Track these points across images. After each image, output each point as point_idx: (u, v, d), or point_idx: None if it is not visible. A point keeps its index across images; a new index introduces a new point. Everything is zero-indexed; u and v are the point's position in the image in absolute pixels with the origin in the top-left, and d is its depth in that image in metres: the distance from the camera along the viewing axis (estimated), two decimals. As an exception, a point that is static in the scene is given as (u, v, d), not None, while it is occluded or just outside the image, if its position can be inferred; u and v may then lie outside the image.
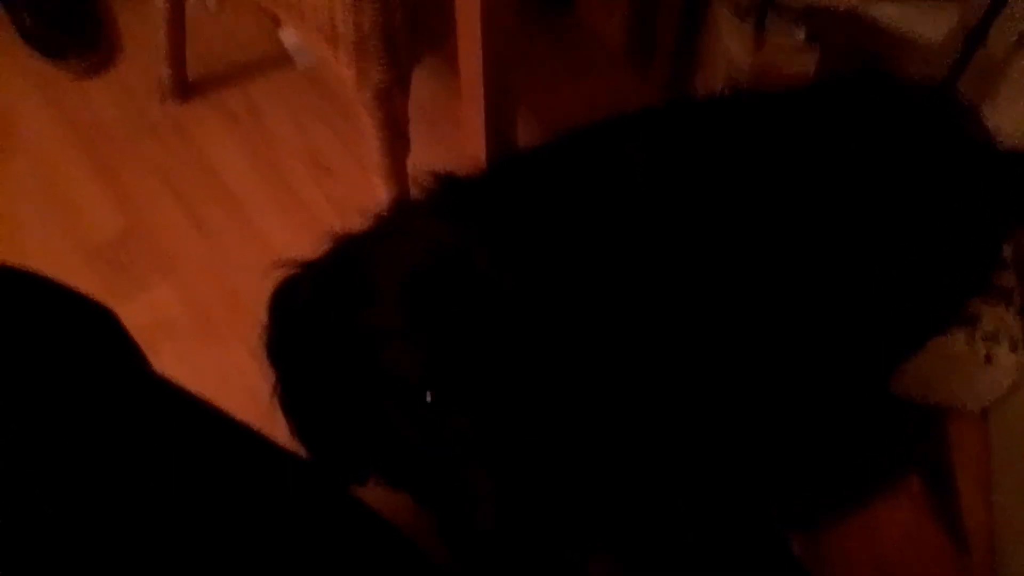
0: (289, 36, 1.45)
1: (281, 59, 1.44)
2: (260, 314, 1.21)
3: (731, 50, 1.13)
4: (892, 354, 0.93)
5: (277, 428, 0.68)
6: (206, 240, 1.28)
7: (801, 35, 1.10)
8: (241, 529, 0.50)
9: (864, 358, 0.87)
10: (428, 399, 0.52)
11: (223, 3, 1.49)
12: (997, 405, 1.08)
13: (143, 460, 0.49)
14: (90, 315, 0.55)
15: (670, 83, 1.34)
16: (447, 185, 0.68)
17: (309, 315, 0.58)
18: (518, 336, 0.52)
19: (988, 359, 1.00)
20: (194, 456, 0.53)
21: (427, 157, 1.17)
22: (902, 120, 0.85)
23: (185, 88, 1.38)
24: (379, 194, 1.10)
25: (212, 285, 1.25)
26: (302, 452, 0.65)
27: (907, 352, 0.95)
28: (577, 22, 1.48)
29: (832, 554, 0.73)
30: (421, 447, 0.55)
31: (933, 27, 1.04)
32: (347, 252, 0.61)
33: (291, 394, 0.61)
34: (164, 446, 0.51)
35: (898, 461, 0.86)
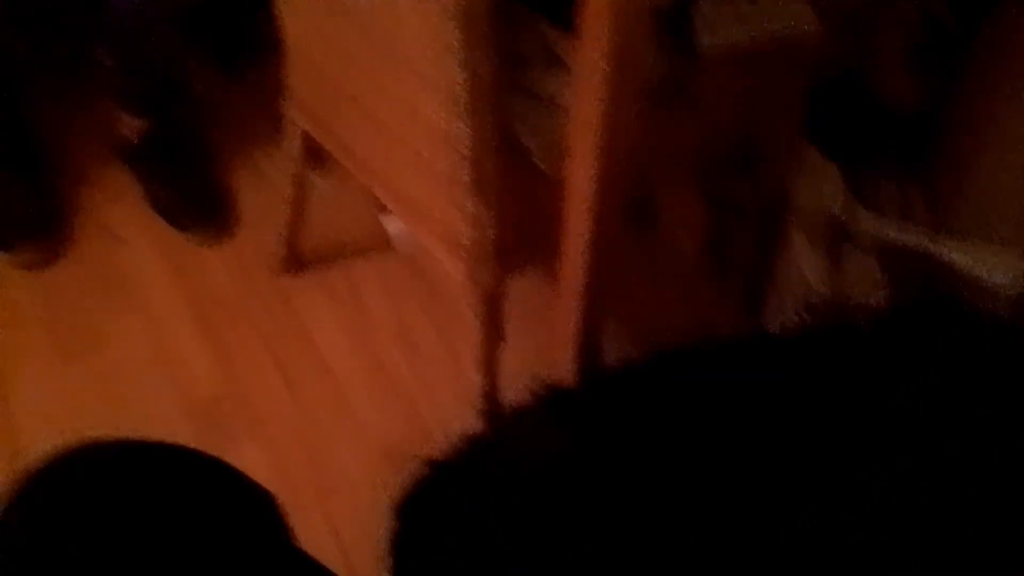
0: (391, 223, 1.59)
1: (382, 243, 1.58)
2: (340, 483, 1.28)
3: (805, 275, 1.21)
4: None
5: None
6: (298, 408, 1.36)
7: (874, 266, 1.19)
8: None
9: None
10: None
11: (337, 189, 1.66)
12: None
13: None
14: (255, 496, 0.61)
15: (746, 299, 1.43)
16: (555, 395, 0.74)
17: (438, 529, 0.62)
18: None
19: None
20: None
21: (516, 350, 1.25)
22: (973, 352, 0.89)
23: (295, 264, 1.52)
24: (469, 381, 1.18)
25: (299, 452, 1.32)
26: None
27: None
28: (659, 237, 1.60)
29: None
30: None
31: (1001, 271, 1.11)
32: (472, 461, 0.66)
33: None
34: None
35: None
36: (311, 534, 1.26)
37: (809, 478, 0.71)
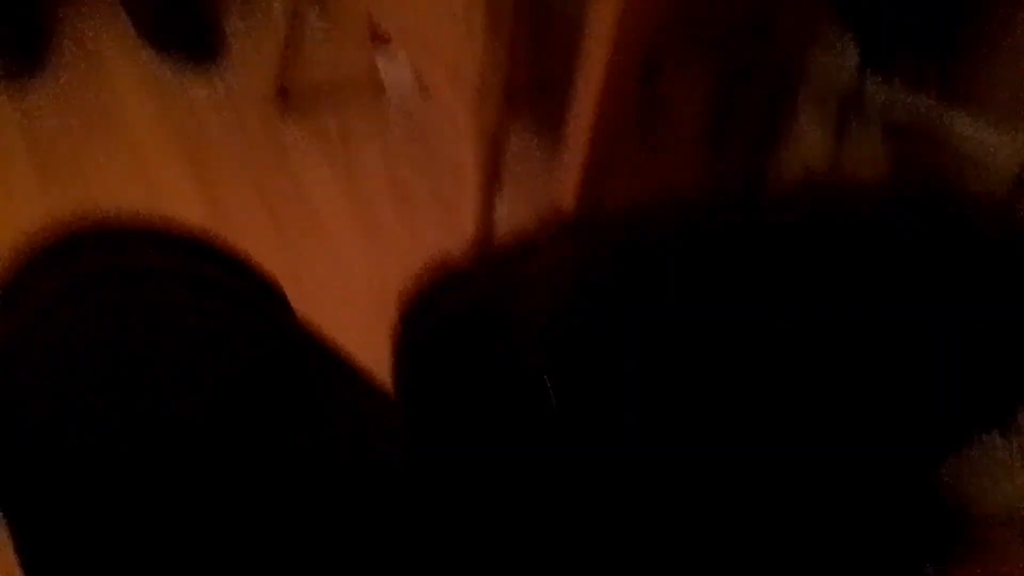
0: (387, 65, 1.53)
1: (377, 86, 1.53)
2: (326, 325, 1.28)
3: (809, 142, 1.20)
4: (935, 452, 0.96)
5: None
6: (286, 250, 1.35)
7: (877, 135, 1.17)
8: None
9: (909, 447, 0.90)
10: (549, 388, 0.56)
11: (332, 23, 1.58)
12: (1029, 514, 1.10)
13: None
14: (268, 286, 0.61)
15: (746, 164, 1.41)
16: (559, 228, 0.73)
17: (446, 341, 0.62)
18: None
19: (1027, 466, 1.04)
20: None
21: (510, 203, 1.24)
22: (968, 233, 0.89)
23: (286, 103, 1.47)
24: (463, 231, 1.16)
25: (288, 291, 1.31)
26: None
27: (950, 450, 0.98)
28: (660, 100, 1.56)
29: None
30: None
31: (1000, 148, 1.10)
32: (477, 287, 0.65)
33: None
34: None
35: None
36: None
37: (781, 341, 0.71)
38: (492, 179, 1.10)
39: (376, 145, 1.46)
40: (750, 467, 0.74)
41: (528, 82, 1.01)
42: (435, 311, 0.64)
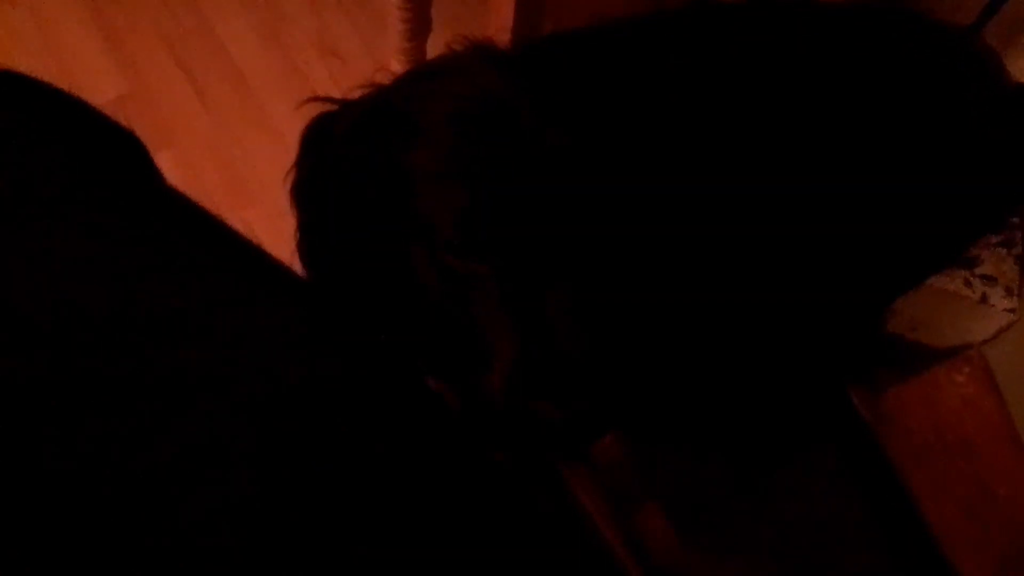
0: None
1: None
2: (258, 192, 1.21)
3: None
4: (890, 284, 0.94)
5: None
6: (208, 113, 1.25)
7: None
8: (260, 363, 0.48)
9: (865, 285, 0.88)
10: (455, 240, 0.51)
11: None
12: (984, 348, 1.10)
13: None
14: (121, 135, 0.54)
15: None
16: (484, 48, 0.66)
17: (345, 149, 0.56)
18: (556, 192, 0.51)
19: (983, 299, 1.02)
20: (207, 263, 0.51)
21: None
22: (930, 56, 0.84)
23: (197, -47, 1.33)
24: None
25: (210, 158, 1.22)
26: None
27: (905, 285, 0.96)
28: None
29: (892, 412, 0.76)
30: (443, 300, 0.55)
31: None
32: (388, 93, 0.59)
33: (313, 235, 0.59)
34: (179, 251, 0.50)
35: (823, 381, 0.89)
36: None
37: (738, 142, 0.66)
38: (420, 21, 1.00)
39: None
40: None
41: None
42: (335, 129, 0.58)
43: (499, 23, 0.96)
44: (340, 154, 0.57)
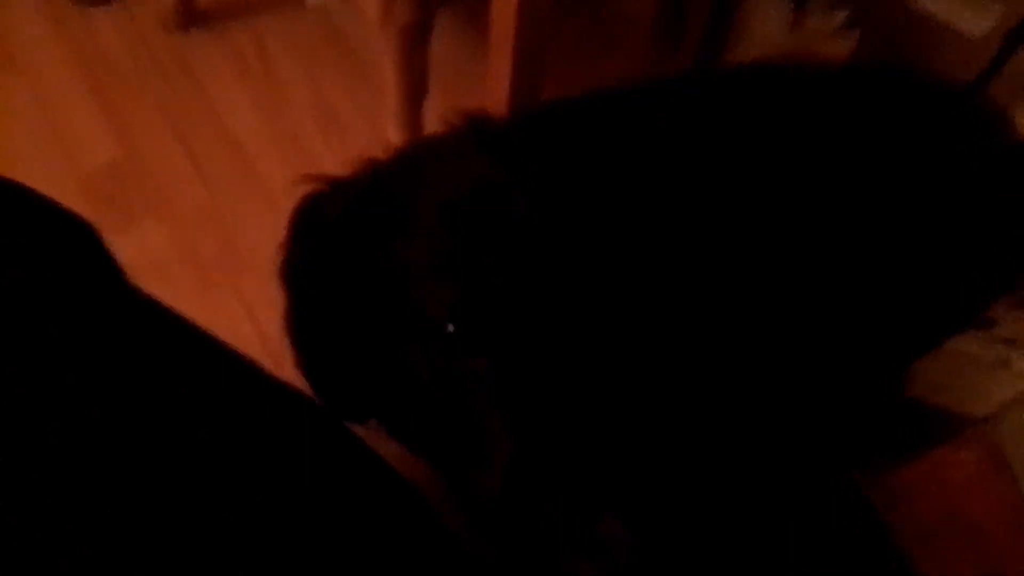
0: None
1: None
2: (253, 261, 1.18)
3: (766, 29, 1.10)
4: (907, 349, 0.91)
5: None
6: (203, 182, 1.24)
7: (840, 18, 1.07)
8: (224, 460, 0.46)
9: (875, 354, 0.85)
10: (450, 331, 0.48)
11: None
12: (1005, 412, 1.06)
13: (118, 374, 0.45)
14: (69, 226, 0.51)
15: (700, 62, 1.31)
16: (479, 124, 0.64)
17: (337, 235, 0.54)
18: (553, 282, 0.49)
19: (1002, 363, 0.98)
20: (171, 373, 0.49)
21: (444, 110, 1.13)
22: (927, 116, 0.82)
23: (193, 20, 1.33)
24: (390, 144, 1.06)
25: (205, 228, 1.20)
26: (300, 387, 0.61)
27: (923, 348, 0.93)
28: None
29: (898, 494, 0.72)
30: (438, 391, 0.52)
31: (974, 22, 1.01)
32: (381, 175, 0.57)
33: (304, 319, 0.57)
34: (141, 363, 0.47)
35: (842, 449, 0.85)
36: (224, 315, 1.19)
37: (733, 211, 0.64)
38: (416, 87, 0.99)
39: (296, 61, 1.33)
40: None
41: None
42: (325, 215, 0.56)
43: (497, 93, 0.95)
44: (332, 239, 0.54)
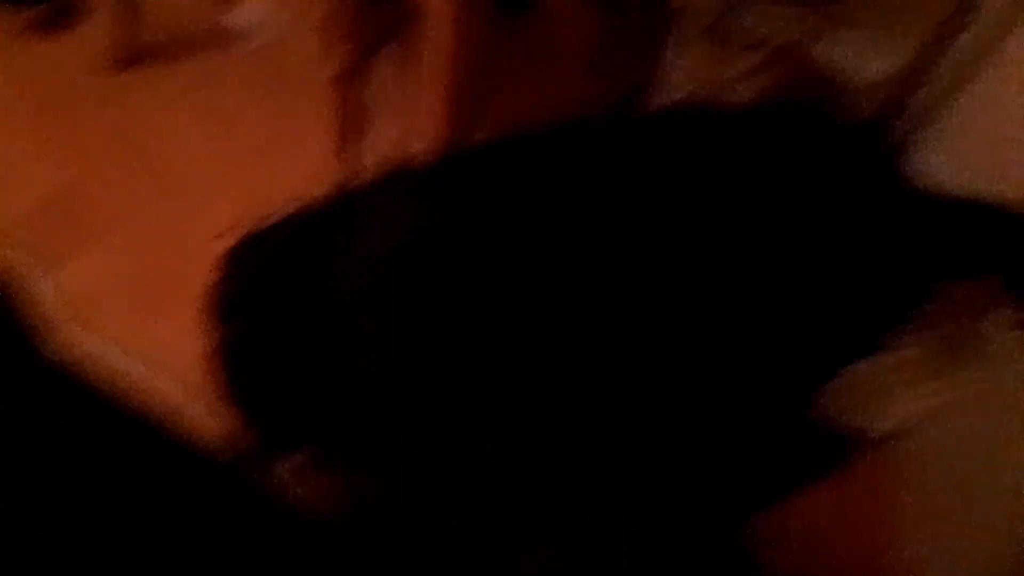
0: (243, 12, 1.42)
1: (237, 34, 1.41)
2: (191, 293, 1.19)
3: (685, 70, 1.16)
4: (810, 378, 0.96)
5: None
6: (142, 211, 1.24)
7: (751, 62, 1.15)
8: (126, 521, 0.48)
9: (784, 379, 0.90)
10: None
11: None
12: (913, 429, 1.13)
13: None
14: None
15: (629, 95, 1.37)
16: (406, 168, 0.68)
17: (270, 275, 0.57)
18: (471, 329, 0.53)
19: (908, 383, 1.05)
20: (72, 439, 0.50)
21: (382, 145, 1.17)
22: (828, 157, 0.88)
23: (136, 56, 1.34)
24: (329, 177, 1.09)
25: (146, 261, 1.21)
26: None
27: (825, 376, 0.98)
28: (541, 29, 1.49)
29: (773, 534, 0.76)
30: (366, 420, 0.55)
31: (872, 67, 1.09)
32: (314, 218, 0.60)
33: (236, 353, 0.59)
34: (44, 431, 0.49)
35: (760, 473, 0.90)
36: (159, 337, 1.19)
37: (644, 250, 0.68)
38: (351, 119, 1.03)
39: (242, 97, 1.35)
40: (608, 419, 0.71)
41: (378, 16, 0.93)
42: (254, 260, 0.59)
43: (432, 129, 0.99)
44: (266, 279, 0.57)
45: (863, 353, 0.95)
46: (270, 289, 0.57)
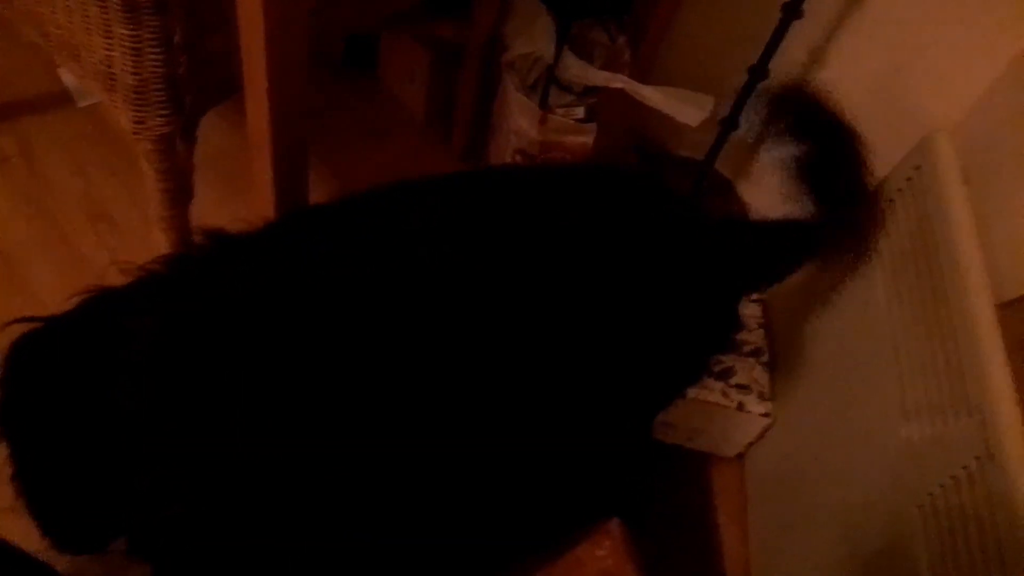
0: (68, 72, 1.37)
1: (61, 97, 1.36)
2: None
3: (519, 123, 1.21)
4: (643, 407, 0.99)
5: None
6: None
7: (580, 113, 1.20)
8: None
9: (616, 410, 0.93)
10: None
11: (3, 37, 1.39)
12: (750, 449, 1.19)
13: None
14: None
15: (467, 149, 1.41)
16: (216, 242, 0.67)
17: (46, 377, 0.55)
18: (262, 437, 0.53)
19: (740, 407, 1.12)
20: None
21: (217, 209, 1.15)
22: (633, 205, 0.91)
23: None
24: (159, 247, 1.06)
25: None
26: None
27: (658, 405, 1.02)
28: (379, 85, 1.51)
29: None
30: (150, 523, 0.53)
31: (690, 114, 1.16)
32: (92, 313, 0.58)
33: (23, 460, 0.56)
34: None
35: (602, 506, 0.93)
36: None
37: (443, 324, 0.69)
38: (179, 191, 1.00)
39: (65, 161, 1.30)
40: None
41: (197, 82, 0.92)
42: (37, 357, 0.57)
43: (262, 191, 0.98)
44: (44, 381, 0.55)
45: (685, 384, 1.00)
46: (49, 392, 0.55)
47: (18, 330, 0.61)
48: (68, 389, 0.54)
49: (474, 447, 0.71)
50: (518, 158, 1.24)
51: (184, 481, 0.50)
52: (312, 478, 0.54)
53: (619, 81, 1.17)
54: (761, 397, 1.13)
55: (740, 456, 1.21)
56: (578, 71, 1.18)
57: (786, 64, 1.25)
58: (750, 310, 1.24)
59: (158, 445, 0.50)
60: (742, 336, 1.19)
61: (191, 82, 0.90)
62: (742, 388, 1.13)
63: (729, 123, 1.19)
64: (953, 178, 0.90)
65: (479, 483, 0.72)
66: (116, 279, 0.66)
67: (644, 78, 1.20)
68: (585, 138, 1.19)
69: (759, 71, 1.11)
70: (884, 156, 1.03)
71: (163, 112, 0.90)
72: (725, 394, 1.12)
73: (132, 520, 0.54)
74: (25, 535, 0.62)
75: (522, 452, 0.78)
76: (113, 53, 0.87)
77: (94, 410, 0.52)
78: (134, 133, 0.92)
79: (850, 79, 1.19)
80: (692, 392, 1.10)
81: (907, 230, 0.95)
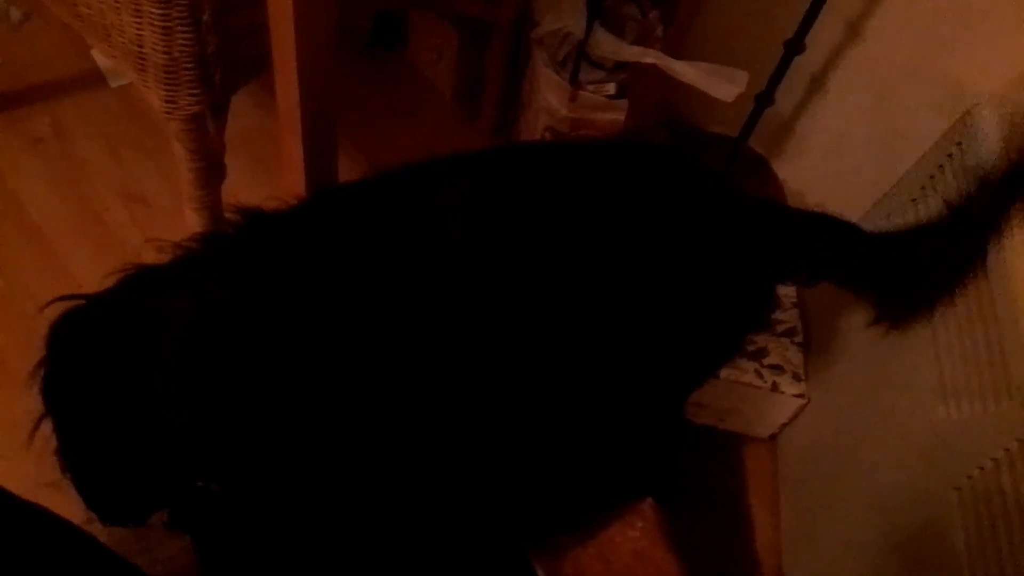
0: (100, 53, 1.38)
1: (93, 77, 1.37)
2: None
3: (549, 100, 1.19)
4: (676, 386, 0.98)
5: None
6: (2, 275, 1.19)
7: (611, 89, 1.18)
8: None
9: (649, 390, 0.92)
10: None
11: (29, 15, 1.40)
12: (783, 430, 1.18)
13: None
14: None
15: (496, 127, 1.39)
16: (250, 220, 0.67)
17: (91, 354, 0.55)
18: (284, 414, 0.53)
19: (774, 388, 1.10)
20: None
21: (248, 188, 1.15)
22: (666, 181, 0.90)
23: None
24: (191, 226, 1.07)
25: (8, 325, 1.15)
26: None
27: (690, 385, 1.01)
28: (407, 64, 1.51)
29: (568, 572, 0.78)
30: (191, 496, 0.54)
31: (724, 90, 1.14)
32: (130, 291, 0.59)
33: (67, 433, 0.57)
34: None
35: (635, 486, 0.92)
36: (27, 408, 1.14)
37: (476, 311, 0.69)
38: (210, 171, 1.01)
39: (98, 141, 1.31)
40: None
41: (227, 60, 0.92)
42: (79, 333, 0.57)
43: (293, 170, 0.98)
44: (86, 358, 0.56)
45: (719, 363, 0.99)
46: (90, 370, 0.55)
47: (59, 308, 0.61)
48: (109, 367, 0.54)
49: (510, 425, 0.71)
50: (548, 135, 1.23)
51: (221, 457, 0.51)
52: (350, 454, 0.54)
53: (651, 56, 1.15)
54: (795, 378, 1.12)
55: (773, 437, 1.20)
56: (609, 46, 1.16)
57: (823, 38, 1.22)
58: (784, 290, 1.22)
59: (196, 424, 0.51)
60: (776, 316, 1.17)
61: (220, 60, 0.90)
62: (776, 368, 1.12)
63: (764, 98, 1.17)
64: (996, 153, 0.88)
65: (514, 463, 0.72)
66: (151, 257, 0.66)
67: (676, 53, 1.17)
68: (616, 115, 1.18)
69: (795, 45, 1.09)
70: (925, 131, 1.00)
71: (193, 91, 0.90)
72: (759, 374, 1.11)
73: (172, 494, 0.55)
74: (69, 509, 0.63)
75: (556, 432, 0.77)
76: (143, 32, 0.87)
77: (135, 388, 0.53)
78: (166, 112, 0.92)
79: (890, 53, 1.16)
80: (725, 372, 1.09)
81: (948, 207, 0.92)
